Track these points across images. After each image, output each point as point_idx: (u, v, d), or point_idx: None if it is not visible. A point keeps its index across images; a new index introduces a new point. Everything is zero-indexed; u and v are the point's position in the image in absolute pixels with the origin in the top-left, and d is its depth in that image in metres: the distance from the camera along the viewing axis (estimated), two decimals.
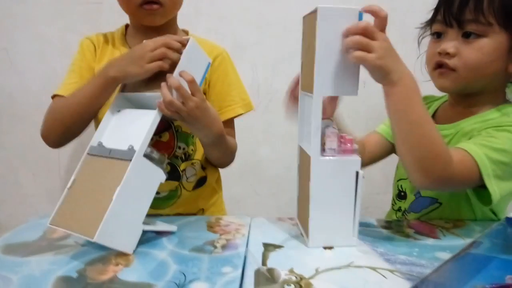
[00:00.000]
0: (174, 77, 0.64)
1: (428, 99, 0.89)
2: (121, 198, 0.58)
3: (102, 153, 0.65)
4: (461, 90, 0.76)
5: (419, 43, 0.83)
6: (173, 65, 0.66)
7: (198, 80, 0.67)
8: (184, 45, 0.67)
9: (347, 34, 0.55)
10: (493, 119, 0.72)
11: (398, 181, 0.87)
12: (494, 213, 0.77)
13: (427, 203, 0.79)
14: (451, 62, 0.72)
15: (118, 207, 0.58)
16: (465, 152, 0.64)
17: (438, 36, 0.76)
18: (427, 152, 0.60)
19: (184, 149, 0.81)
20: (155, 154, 0.64)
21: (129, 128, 0.68)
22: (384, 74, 0.58)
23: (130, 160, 0.60)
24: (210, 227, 0.71)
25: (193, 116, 0.66)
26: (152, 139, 0.77)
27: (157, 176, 0.65)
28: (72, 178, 0.64)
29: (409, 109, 0.60)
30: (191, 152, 0.82)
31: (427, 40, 0.81)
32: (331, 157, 0.60)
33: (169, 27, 0.84)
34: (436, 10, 0.75)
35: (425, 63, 0.79)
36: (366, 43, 0.56)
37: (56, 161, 1.49)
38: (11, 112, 1.50)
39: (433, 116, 0.84)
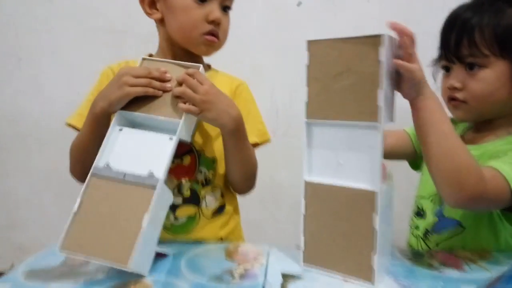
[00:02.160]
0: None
1: (453, 122, 0.89)
2: (148, 225, 0.59)
3: (113, 176, 0.64)
4: (476, 119, 0.79)
5: (434, 79, 0.85)
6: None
7: None
8: (164, 80, 0.69)
9: (399, 31, 0.58)
10: None
11: (418, 198, 0.87)
12: None
13: (450, 224, 0.78)
14: (460, 95, 0.76)
15: (146, 234, 0.59)
16: (495, 170, 0.64)
17: (447, 70, 0.80)
18: (460, 164, 0.61)
19: (205, 173, 0.81)
20: (168, 178, 0.65)
21: (141, 150, 0.67)
22: (421, 87, 0.61)
23: (152, 186, 0.61)
24: (229, 255, 0.71)
25: (207, 101, 0.67)
26: (173, 162, 0.77)
27: (169, 198, 0.67)
28: (78, 200, 0.62)
29: (440, 121, 0.62)
30: (211, 177, 0.82)
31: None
32: (385, 187, 0.59)
33: (197, 60, 0.85)
34: (439, 48, 0.79)
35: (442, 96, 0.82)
36: (414, 53, 0.59)
37: (79, 185, 1.52)
38: (37, 137, 1.55)
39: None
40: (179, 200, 0.81)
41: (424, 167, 0.89)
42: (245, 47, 1.39)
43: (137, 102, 0.69)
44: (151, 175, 0.62)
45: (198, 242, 0.79)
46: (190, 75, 0.68)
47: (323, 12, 1.33)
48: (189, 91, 0.67)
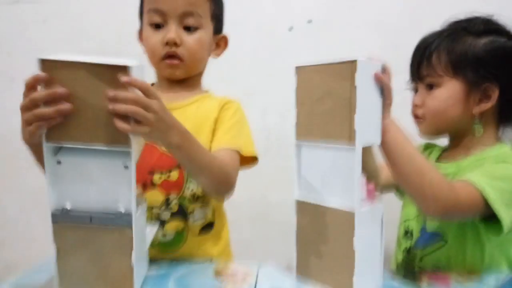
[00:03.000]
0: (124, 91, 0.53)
1: (430, 146, 0.94)
2: (137, 263, 0.59)
3: (77, 220, 0.57)
4: (436, 134, 0.85)
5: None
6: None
7: None
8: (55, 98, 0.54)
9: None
10: (490, 156, 0.76)
11: (404, 221, 0.88)
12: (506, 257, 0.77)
13: (432, 238, 0.79)
14: (420, 112, 0.83)
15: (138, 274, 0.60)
16: (467, 182, 0.68)
17: (415, 91, 0.87)
18: (430, 179, 0.64)
19: (192, 190, 0.81)
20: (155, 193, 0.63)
21: (95, 184, 0.57)
22: (389, 110, 0.65)
23: (126, 226, 0.56)
24: (217, 275, 0.70)
25: (159, 120, 0.57)
26: (159, 177, 0.79)
27: (150, 231, 0.67)
28: (54, 251, 0.58)
29: (406, 142, 0.66)
30: (201, 194, 0.82)
31: None
32: (367, 208, 0.60)
33: (193, 84, 0.88)
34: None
35: None
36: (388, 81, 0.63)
37: None
38: (26, 156, 1.53)
39: (438, 159, 0.89)
40: (167, 215, 0.80)
41: None
42: (237, 71, 1.41)
43: (62, 126, 0.55)
44: (121, 213, 0.57)
45: (187, 261, 0.79)
46: (143, 90, 0.55)
47: (314, 37, 1.37)
48: (141, 111, 0.54)
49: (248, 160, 0.84)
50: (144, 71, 0.59)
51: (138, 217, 0.59)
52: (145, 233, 0.65)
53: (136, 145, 0.57)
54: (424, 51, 0.81)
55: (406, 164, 0.65)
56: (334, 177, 0.62)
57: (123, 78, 0.52)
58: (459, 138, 0.83)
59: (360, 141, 0.58)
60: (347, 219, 0.59)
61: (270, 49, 1.39)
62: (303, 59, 0.67)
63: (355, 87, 0.57)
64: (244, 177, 1.11)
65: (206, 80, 0.97)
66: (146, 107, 0.55)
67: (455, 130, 0.82)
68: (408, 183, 0.66)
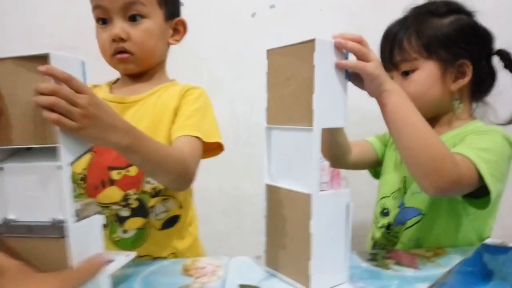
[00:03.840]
0: (45, 83, 0.48)
1: None
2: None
3: (17, 232, 0.51)
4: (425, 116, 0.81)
5: None
6: None
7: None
8: None
9: (343, 38, 0.59)
10: (468, 130, 0.78)
11: (381, 199, 0.89)
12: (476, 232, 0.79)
13: (411, 214, 0.81)
14: None
15: None
16: (461, 155, 0.67)
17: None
18: (434, 153, 0.63)
19: (153, 183, 0.79)
20: (85, 207, 0.54)
21: (32, 190, 0.51)
22: (380, 84, 0.63)
23: (62, 236, 0.50)
24: (186, 271, 0.69)
25: (90, 116, 0.51)
26: (119, 173, 0.77)
27: (98, 221, 0.57)
28: None
29: (409, 113, 0.64)
30: (162, 188, 0.80)
31: None
32: (328, 192, 0.59)
33: (154, 75, 0.86)
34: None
35: None
36: (366, 53, 0.60)
37: None
38: None
39: None
40: (126, 212, 0.78)
41: (383, 170, 0.92)
42: (202, 60, 1.38)
43: None
44: (56, 222, 0.50)
45: (154, 259, 0.77)
46: (64, 80, 0.49)
47: (278, 22, 1.35)
48: (63, 102, 0.48)
49: (214, 148, 0.82)
50: (86, 67, 0.55)
51: (82, 225, 0.52)
52: (97, 241, 0.56)
53: (73, 144, 0.51)
54: (394, 38, 0.81)
55: (408, 135, 0.63)
56: (298, 160, 0.61)
57: (41, 68, 0.48)
58: (438, 116, 0.83)
59: (319, 123, 0.57)
60: (306, 201, 0.58)
61: (234, 37, 1.37)
62: (268, 45, 0.66)
63: (313, 67, 0.56)
64: (214, 168, 1.09)
65: (171, 71, 0.94)
66: (70, 100, 0.49)
67: (436, 110, 0.82)
68: (410, 155, 0.64)
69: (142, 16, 0.78)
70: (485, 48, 0.81)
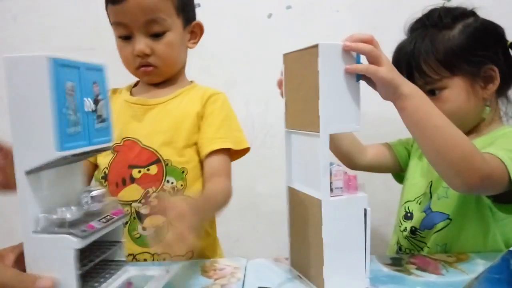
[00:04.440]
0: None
1: None
2: None
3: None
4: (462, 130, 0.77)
5: None
6: None
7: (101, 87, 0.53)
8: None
9: (352, 40, 0.57)
10: (499, 135, 0.77)
11: (405, 203, 0.88)
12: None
13: (439, 218, 0.79)
14: None
15: None
16: (489, 153, 0.65)
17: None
18: (463, 151, 0.61)
19: (173, 183, 0.80)
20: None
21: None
22: (395, 88, 0.60)
23: None
24: (205, 272, 0.69)
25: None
26: (139, 171, 0.79)
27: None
28: None
29: (430, 115, 0.61)
30: (181, 188, 0.81)
31: None
32: (340, 197, 0.58)
33: (175, 79, 0.88)
34: None
35: None
36: (378, 55, 0.58)
37: None
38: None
39: None
40: (146, 210, 0.79)
41: (409, 175, 0.90)
42: (218, 61, 1.38)
43: None
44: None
45: (173, 260, 0.77)
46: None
47: (294, 23, 1.34)
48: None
49: (242, 151, 0.85)
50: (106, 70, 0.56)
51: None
52: None
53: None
54: (409, 64, 0.79)
55: (434, 137, 0.61)
56: (311, 165, 0.60)
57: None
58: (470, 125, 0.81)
59: (326, 128, 0.56)
60: (318, 206, 0.58)
61: (250, 38, 1.37)
62: (284, 46, 0.66)
63: (317, 72, 0.55)
64: None
65: (187, 72, 0.95)
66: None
67: (474, 121, 0.80)
68: (438, 157, 0.62)
69: (164, 31, 0.80)
70: (501, 44, 0.79)
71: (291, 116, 0.65)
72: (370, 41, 0.58)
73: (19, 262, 0.48)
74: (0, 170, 0.54)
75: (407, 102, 0.61)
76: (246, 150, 0.86)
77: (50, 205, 0.48)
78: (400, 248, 0.88)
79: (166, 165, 0.80)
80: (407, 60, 0.79)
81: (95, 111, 0.50)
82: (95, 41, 1.34)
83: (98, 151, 0.53)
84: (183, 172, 0.81)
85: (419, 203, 0.84)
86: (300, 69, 0.60)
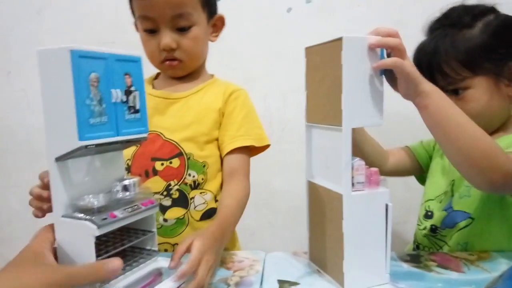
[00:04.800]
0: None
1: None
2: None
3: None
4: (489, 129, 0.75)
5: None
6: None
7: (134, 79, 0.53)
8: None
9: (377, 34, 0.57)
10: None
11: (425, 202, 0.87)
12: None
13: (461, 217, 0.78)
14: None
15: None
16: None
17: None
18: (486, 149, 0.60)
19: (194, 176, 0.81)
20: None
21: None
22: (416, 85, 0.60)
23: None
24: (223, 263, 0.69)
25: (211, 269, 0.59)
26: (162, 164, 0.79)
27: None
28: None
29: (451, 113, 0.61)
30: (201, 181, 0.82)
31: None
32: (362, 192, 0.58)
33: (197, 73, 0.89)
34: None
35: None
36: (404, 49, 0.58)
37: None
38: (28, 150, 1.53)
39: None
40: (168, 202, 0.81)
41: (430, 174, 0.89)
42: (237, 56, 1.38)
43: None
44: None
45: None
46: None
47: (313, 17, 1.33)
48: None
49: (261, 147, 0.86)
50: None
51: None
52: None
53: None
54: (430, 65, 0.78)
55: (456, 135, 0.60)
56: (333, 159, 0.60)
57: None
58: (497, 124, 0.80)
59: (349, 122, 0.56)
60: (339, 201, 0.57)
61: (269, 32, 1.36)
62: (303, 41, 0.65)
63: (341, 65, 0.55)
64: None
65: (207, 66, 0.95)
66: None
67: (500, 120, 0.79)
68: (460, 155, 0.61)
69: (190, 26, 0.80)
70: None
71: (312, 110, 0.65)
72: (396, 34, 0.58)
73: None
74: (45, 200, 0.57)
75: (429, 100, 0.60)
76: (266, 147, 0.87)
77: (82, 192, 0.49)
78: (417, 247, 0.87)
79: (188, 158, 0.81)
80: (428, 61, 0.78)
81: (126, 102, 0.51)
82: (116, 34, 1.36)
83: (132, 142, 0.54)
84: (204, 166, 0.82)
85: (440, 202, 0.83)
86: (322, 63, 0.60)
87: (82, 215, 0.48)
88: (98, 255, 0.48)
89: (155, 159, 0.80)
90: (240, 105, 0.85)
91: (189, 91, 0.85)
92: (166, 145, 0.81)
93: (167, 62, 0.82)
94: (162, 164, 0.80)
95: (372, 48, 0.56)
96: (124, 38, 1.32)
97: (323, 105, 0.61)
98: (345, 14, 1.32)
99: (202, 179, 0.82)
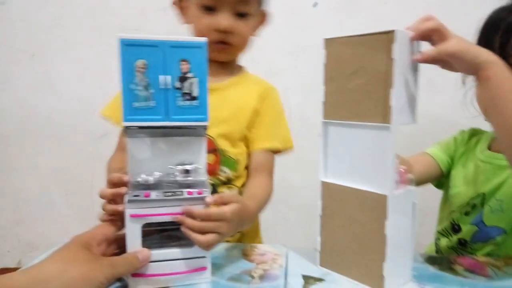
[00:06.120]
0: (190, 208, 0.53)
1: (477, 132, 0.89)
2: None
3: None
4: None
5: (463, 82, 0.85)
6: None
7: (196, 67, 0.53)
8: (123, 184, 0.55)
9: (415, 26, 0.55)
10: None
11: (450, 213, 0.85)
12: None
13: (495, 232, 0.77)
14: None
15: None
16: None
17: None
18: None
19: (226, 173, 0.82)
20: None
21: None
22: (473, 57, 0.56)
23: None
24: (246, 255, 0.69)
25: (232, 226, 0.58)
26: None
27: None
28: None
29: None
30: (233, 178, 0.83)
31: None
32: (400, 191, 0.57)
33: (233, 62, 0.88)
34: None
35: (473, 100, 0.81)
36: (445, 29, 0.55)
37: (89, 182, 1.51)
38: (48, 133, 1.54)
39: (489, 148, 0.83)
40: None
41: (452, 184, 0.87)
42: (260, 50, 1.37)
43: None
44: None
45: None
46: (213, 203, 0.56)
47: (339, 13, 1.32)
48: (217, 224, 0.56)
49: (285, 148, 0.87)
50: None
51: None
52: None
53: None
54: (508, 30, 0.71)
55: None
56: (365, 158, 0.59)
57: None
58: None
59: (396, 119, 0.54)
60: (379, 202, 0.56)
61: (294, 26, 1.35)
62: (328, 36, 0.64)
63: (392, 60, 0.53)
64: None
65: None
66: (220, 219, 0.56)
67: None
68: None
69: (249, 13, 0.79)
70: None
71: (333, 106, 0.62)
72: (429, 18, 0.56)
73: (109, 244, 0.54)
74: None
75: (491, 70, 0.55)
76: (290, 148, 0.88)
77: (150, 169, 0.54)
78: (437, 251, 0.86)
79: (222, 155, 0.81)
80: (507, 28, 0.72)
81: (180, 88, 0.51)
82: (140, 21, 1.36)
83: (189, 128, 0.54)
84: (236, 163, 0.83)
85: (466, 215, 0.81)
86: (357, 56, 0.58)
87: (130, 190, 0.51)
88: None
89: None
90: (273, 106, 0.86)
91: (225, 82, 0.84)
92: None
93: (218, 45, 0.79)
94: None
95: (412, 40, 0.55)
96: (148, 25, 1.33)
97: (354, 101, 0.59)
98: (371, 11, 1.31)
99: (234, 175, 0.83)
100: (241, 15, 0.78)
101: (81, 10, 1.45)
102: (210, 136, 0.80)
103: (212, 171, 0.80)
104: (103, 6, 1.44)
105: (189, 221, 0.53)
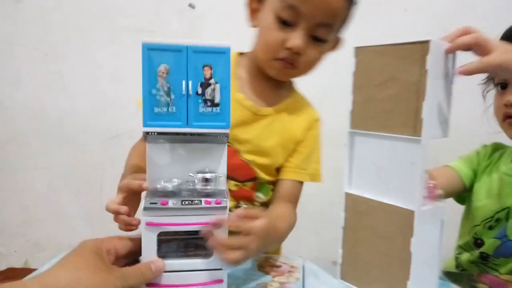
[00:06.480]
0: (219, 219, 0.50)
1: (500, 147, 0.86)
2: None
3: None
4: None
5: (484, 97, 0.84)
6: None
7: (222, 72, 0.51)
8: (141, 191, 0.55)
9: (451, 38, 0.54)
10: None
11: (473, 227, 0.82)
12: None
13: None
14: None
15: None
16: None
17: (502, 87, 0.76)
18: None
19: (261, 198, 0.81)
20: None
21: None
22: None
23: None
24: (261, 267, 0.67)
25: (265, 240, 0.56)
26: (237, 185, 0.78)
27: None
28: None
29: None
30: (268, 202, 0.82)
31: (492, 92, 0.82)
32: (429, 207, 0.54)
33: (284, 83, 0.82)
34: None
35: (493, 115, 0.80)
36: (485, 41, 0.53)
37: (98, 183, 1.50)
38: (59, 133, 1.53)
39: None
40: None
41: (475, 197, 0.84)
42: None
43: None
44: None
45: None
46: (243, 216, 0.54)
47: (357, 20, 1.29)
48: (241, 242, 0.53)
49: None
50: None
51: None
52: None
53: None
54: None
55: None
56: (392, 171, 0.56)
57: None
58: None
59: (428, 132, 0.52)
60: (405, 217, 0.53)
61: None
62: (349, 43, 0.62)
63: (425, 71, 0.51)
64: None
65: None
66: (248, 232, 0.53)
67: None
68: None
69: (325, 40, 0.72)
70: None
71: (361, 116, 0.60)
72: (468, 31, 0.54)
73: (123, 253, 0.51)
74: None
75: None
76: (318, 181, 0.85)
77: (169, 176, 0.52)
78: (457, 266, 0.83)
79: (259, 182, 0.79)
80: None
81: (201, 94, 0.49)
82: (156, 24, 1.35)
83: (210, 135, 0.52)
84: (270, 188, 0.82)
85: (490, 229, 0.79)
86: (388, 65, 0.56)
87: (148, 198, 0.49)
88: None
89: (230, 178, 0.76)
90: (314, 137, 0.82)
91: (276, 107, 0.79)
92: (244, 167, 0.77)
93: (283, 62, 0.72)
94: (236, 185, 0.78)
95: (448, 53, 0.53)
96: (162, 28, 1.31)
97: (383, 111, 0.57)
98: (390, 18, 1.29)
99: (268, 199, 0.81)
100: (316, 39, 0.70)
101: (95, 11, 1.45)
102: (250, 162, 0.77)
103: (249, 197, 0.79)
104: (117, 7, 1.43)
105: (217, 235, 0.51)
